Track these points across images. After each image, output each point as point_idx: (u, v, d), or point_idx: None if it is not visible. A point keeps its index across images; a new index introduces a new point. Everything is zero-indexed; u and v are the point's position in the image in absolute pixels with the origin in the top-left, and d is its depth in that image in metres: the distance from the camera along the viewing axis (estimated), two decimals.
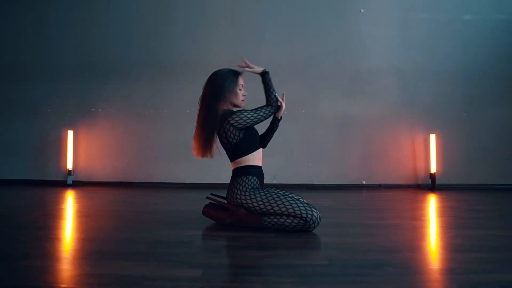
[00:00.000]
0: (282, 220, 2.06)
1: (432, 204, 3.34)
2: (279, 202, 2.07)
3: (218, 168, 4.43)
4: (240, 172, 2.20)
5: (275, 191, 2.14)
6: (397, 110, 4.58)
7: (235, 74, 2.26)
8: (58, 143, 4.55)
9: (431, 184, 4.40)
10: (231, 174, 2.27)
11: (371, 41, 4.63)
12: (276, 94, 2.26)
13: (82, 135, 4.56)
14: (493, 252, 1.69)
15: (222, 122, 2.16)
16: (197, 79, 4.83)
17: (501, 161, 4.53)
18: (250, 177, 2.18)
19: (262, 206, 2.10)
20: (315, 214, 2.04)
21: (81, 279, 1.31)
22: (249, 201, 2.12)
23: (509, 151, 4.54)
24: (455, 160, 4.54)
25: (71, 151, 4.46)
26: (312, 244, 1.83)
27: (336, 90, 4.61)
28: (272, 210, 2.08)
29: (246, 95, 2.31)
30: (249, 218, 2.13)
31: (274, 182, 4.42)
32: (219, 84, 2.20)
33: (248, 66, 2.25)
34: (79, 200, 3.35)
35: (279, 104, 2.27)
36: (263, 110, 2.21)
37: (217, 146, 2.25)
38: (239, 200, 2.15)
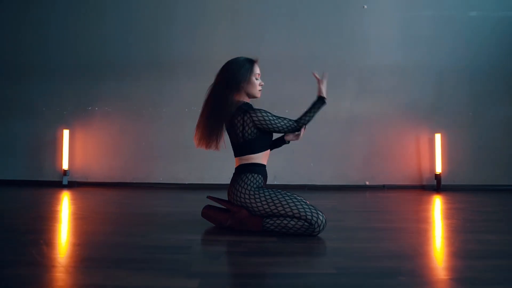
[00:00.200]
0: (285, 221, 1.94)
1: (438, 205, 3.23)
2: (284, 203, 1.96)
3: (218, 168, 4.33)
4: (245, 169, 2.07)
5: (280, 191, 2.02)
6: (401, 109, 4.47)
7: (251, 62, 2.12)
8: (54, 142, 4.44)
9: (436, 185, 4.29)
10: (231, 173, 2.16)
11: (374, 39, 4.52)
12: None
13: (78, 134, 4.46)
14: (511, 259, 1.59)
15: (242, 114, 2.03)
16: (197, 78, 4.76)
17: (508, 161, 4.42)
18: (256, 175, 2.06)
19: (266, 207, 1.97)
20: (320, 217, 1.93)
21: None
22: (253, 201, 1.99)
23: None
24: (460, 160, 4.43)
25: (67, 151, 4.36)
26: (317, 250, 1.73)
27: (338, 89, 4.50)
28: (276, 211, 1.96)
29: (263, 85, 2.16)
30: (251, 221, 2.01)
31: (275, 182, 4.31)
32: (234, 73, 2.07)
33: (320, 81, 2.23)
34: (74, 201, 3.24)
35: (300, 131, 2.20)
36: (288, 123, 2.11)
37: (224, 140, 2.12)
38: (242, 199, 2.02)
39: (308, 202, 2.08)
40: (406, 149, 4.47)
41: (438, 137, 4.36)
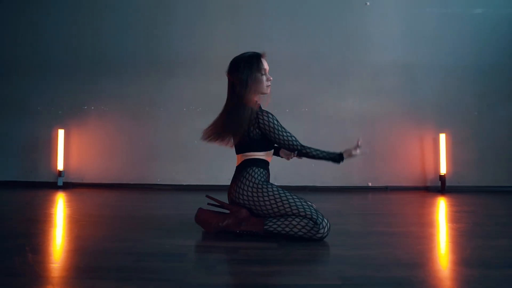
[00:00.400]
0: (288, 221, 1.84)
1: (444, 208, 3.12)
2: (291, 201, 1.88)
3: (217, 168, 4.23)
4: (249, 163, 1.98)
5: (283, 190, 1.94)
6: (404, 108, 4.36)
7: (258, 57, 1.99)
8: (49, 142, 4.33)
9: (441, 186, 4.18)
10: (232, 174, 2.06)
11: (378, 36, 4.42)
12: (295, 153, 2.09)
13: (73, 134, 4.35)
14: None
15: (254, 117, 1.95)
16: (196, 77, 4.66)
17: None
18: (262, 169, 1.99)
19: (273, 203, 1.88)
20: (325, 220, 1.86)
21: None
22: (260, 195, 1.90)
23: None
24: (466, 161, 4.32)
25: (62, 151, 4.25)
26: (321, 257, 1.62)
27: (340, 87, 4.39)
28: (282, 210, 1.87)
29: (272, 80, 2.03)
30: (252, 221, 1.90)
31: (276, 183, 4.19)
32: (242, 72, 1.95)
33: (357, 147, 2.07)
34: (69, 203, 3.14)
35: (293, 156, 2.15)
36: (292, 139, 1.98)
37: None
38: (246, 196, 1.93)
39: (314, 206, 2.01)
40: (410, 150, 4.36)
41: (442, 137, 4.25)
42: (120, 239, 1.91)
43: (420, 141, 4.37)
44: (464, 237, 2.02)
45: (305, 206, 1.87)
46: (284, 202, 1.88)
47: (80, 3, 4.40)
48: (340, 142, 4.42)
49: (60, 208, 2.92)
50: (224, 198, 2.18)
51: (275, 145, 2.05)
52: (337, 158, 2.01)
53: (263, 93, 2.03)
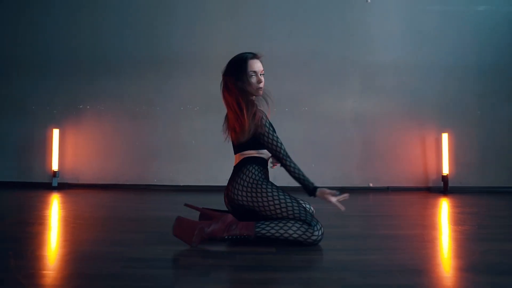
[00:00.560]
0: (284, 222, 1.75)
1: (447, 209, 3.04)
2: (288, 202, 1.81)
3: (216, 169, 4.14)
4: (247, 162, 1.92)
5: (282, 191, 1.88)
6: (406, 107, 4.28)
7: (245, 58, 1.93)
8: (43, 142, 4.24)
9: (443, 187, 4.10)
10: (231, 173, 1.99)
11: (379, 34, 4.33)
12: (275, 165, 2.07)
13: (69, 134, 4.26)
14: None
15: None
16: (194, 76, 4.57)
17: None
18: (260, 167, 1.93)
19: (270, 202, 1.81)
20: (319, 224, 1.79)
21: None
22: (259, 193, 1.83)
23: None
24: (468, 161, 4.24)
25: (57, 151, 4.16)
26: (321, 263, 1.54)
27: (341, 85, 4.31)
28: (279, 209, 1.80)
29: (263, 82, 1.95)
30: (241, 225, 1.76)
31: (276, 184, 4.11)
32: (232, 75, 1.92)
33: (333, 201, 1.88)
34: (63, 205, 3.06)
35: (272, 166, 2.07)
36: (281, 147, 1.89)
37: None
38: (244, 193, 1.85)
39: (312, 208, 2.00)
40: (411, 150, 4.28)
41: (445, 136, 4.17)
42: (111, 243, 1.82)
43: (421, 141, 4.29)
44: (470, 240, 1.94)
45: (301, 209, 1.80)
46: (281, 201, 1.81)
47: (79, 2, 4.31)
48: (340, 142, 4.36)
49: (53, 209, 2.84)
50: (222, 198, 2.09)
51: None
52: (310, 190, 1.84)
53: (253, 95, 1.96)
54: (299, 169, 1.87)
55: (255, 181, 1.87)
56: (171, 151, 4.24)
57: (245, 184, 1.88)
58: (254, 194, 1.85)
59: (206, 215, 1.84)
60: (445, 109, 4.28)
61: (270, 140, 1.88)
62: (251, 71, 1.91)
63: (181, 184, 4.23)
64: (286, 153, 1.89)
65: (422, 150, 4.28)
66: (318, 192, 1.83)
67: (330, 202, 1.82)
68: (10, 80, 4.28)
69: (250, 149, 1.95)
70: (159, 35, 4.30)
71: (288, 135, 4.25)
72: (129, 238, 1.91)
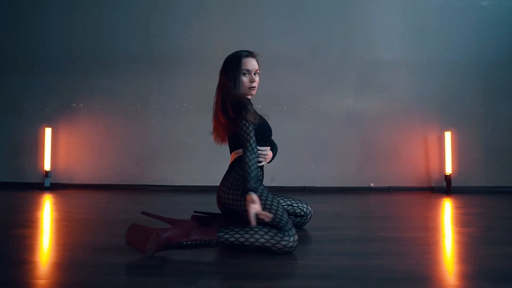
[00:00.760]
0: (254, 230, 1.54)
1: (452, 210, 2.93)
2: (274, 208, 1.63)
3: (213, 169, 3.99)
4: (240, 161, 1.81)
5: (272, 196, 1.71)
6: (408, 105, 4.17)
7: (239, 56, 1.87)
8: (35, 141, 4.13)
9: (446, 187, 3.99)
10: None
11: (379, 31, 4.22)
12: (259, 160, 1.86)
13: (61, 133, 4.15)
14: None
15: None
16: (190, 73, 4.46)
17: None
18: (260, 170, 1.85)
19: (266, 207, 1.64)
20: (293, 231, 1.58)
21: None
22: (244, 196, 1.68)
23: None
24: (472, 160, 4.12)
25: (49, 151, 4.06)
26: (320, 269, 1.42)
27: (341, 83, 4.20)
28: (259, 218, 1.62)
29: (256, 82, 1.88)
30: (202, 230, 1.56)
31: (273, 184, 4.01)
32: (224, 73, 1.88)
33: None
34: (55, 206, 2.96)
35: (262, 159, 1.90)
36: (252, 140, 1.72)
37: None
38: (230, 196, 1.75)
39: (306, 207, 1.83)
40: (414, 148, 4.16)
41: (448, 135, 4.06)
42: (98, 247, 1.71)
43: (424, 140, 4.17)
44: (477, 243, 1.83)
45: (284, 217, 1.61)
46: (267, 207, 1.63)
47: None
48: (340, 141, 4.25)
49: (44, 211, 2.73)
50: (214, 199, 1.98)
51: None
52: (245, 189, 1.62)
53: (245, 95, 1.88)
54: (252, 168, 1.65)
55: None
56: (167, 151, 4.13)
57: (234, 182, 1.77)
58: (240, 197, 1.71)
59: (165, 221, 1.66)
60: (447, 107, 4.17)
61: (243, 127, 1.73)
62: (244, 69, 1.85)
63: (177, 185, 4.12)
64: (252, 147, 1.70)
65: (424, 149, 4.17)
66: (248, 196, 1.58)
67: (249, 210, 1.55)
68: (0, 78, 4.17)
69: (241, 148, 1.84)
70: (155, 32, 4.20)
71: (287, 134, 4.15)
72: (118, 242, 1.80)
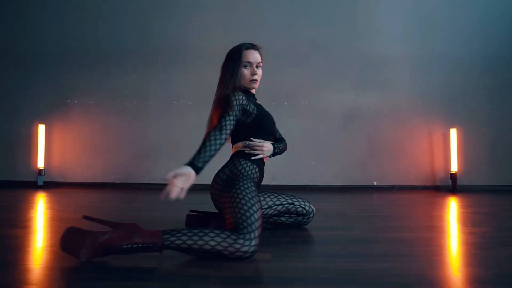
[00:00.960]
0: (204, 232, 1.37)
1: (459, 209, 2.81)
2: (244, 209, 1.47)
3: (211, 167, 3.90)
4: (240, 155, 1.78)
5: (257, 195, 1.58)
6: (412, 102, 4.06)
7: (240, 48, 1.81)
8: (28, 138, 4.03)
9: (452, 185, 3.88)
10: None
11: (382, 24, 4.11)
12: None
13: (55, 129, 4.05)
14: None
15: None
16: (187, 68, 4.34)
17: None
18: (255, 166, 1.75)
19: (231, 200, 1.52)
20: (251, 235, 1.40)
21: None
22: (234, 190, 1.56)
23: None
24: (478, 158, 4.02)
25: (43, 148, 3.95)
26: (324, 273, 1.31)
27: (343, 79, 4.09)
28: (227, 214, 1.50)
29: (259, 75, 1.81)
30: (145, 232, 1.38)
31: (273, 183, 3.90)
32: (224, 65, 1.83)
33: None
34: (49, 204, 2.85)
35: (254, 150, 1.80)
36: (220, 123, 1.61)
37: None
38: (220, 187, 1.67)
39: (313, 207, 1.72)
40: (418, 146, 4.06)
41: (453, 132, 3.95)
42: None
43: (428, 137, 4.06)
44: (492, 244, 1.71)
45: (249, 220, 1.43)
46: (240, 203, 1.48)
47: None
48: (342, 138, 4.14)
49: (36, 210, 2.61)
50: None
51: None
52: (190, 163, 1.50)
53: (246, 88, 1.83)
54: (209, 149, 1.53)
55: (235, 176, 1.67)
56: (164, 148, 4.03)
57: (225, 179, 1.69)
58: (227, 189, 1.61)
59: (106, 225, 1.47)
60: (452, 104, 4.06)
61: (223, 113, 1.65)
62: (245, 61, 1.79)
63: None
64: (220, 128, 1.59)
65: (429, 146, 4.06)
66: (185, 168, 1.45)
67: (174, 180, 1.42)
68: None
69: (244, 140, 1.81)
70: (152, 27, 4.09)
71: (287, 131, 4.02)
72: None
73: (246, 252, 1.37)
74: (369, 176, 4.04)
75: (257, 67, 1.81)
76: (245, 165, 1.73)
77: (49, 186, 3.93)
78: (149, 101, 4.07)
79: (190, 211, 1.92)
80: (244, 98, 1.73)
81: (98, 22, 4.09)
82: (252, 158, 1.76)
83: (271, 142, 1.84)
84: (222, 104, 1.72)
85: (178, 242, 1.36)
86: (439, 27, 4.10)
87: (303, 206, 1.97)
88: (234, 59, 1.80)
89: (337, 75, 4.10)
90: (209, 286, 1.17)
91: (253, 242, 1.38)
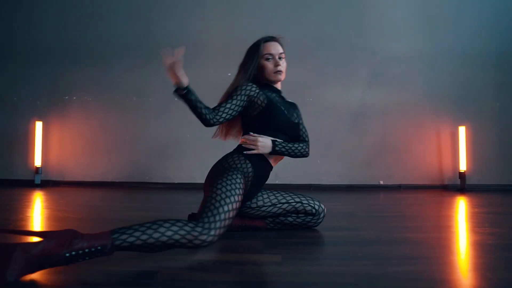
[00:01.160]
0: (158, 223, 1.26)
1: (471, 210, 2.71)
2: (219, 196, 1.42)
3: (211, 166, 3.81)
4: (240, 149, 1.72)
5: (238, 189, 1.50)
6: (419, 98, 3.95)
7: (259, 42, 1.81)
8: (25, 136, 3.93)
9: (460, 185, 3.77)
10: None
11: (389, 19, 4.01)
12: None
13: (53, 127, 3.94)
14: None
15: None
16: (189, 63, 4.21)
17: None
18: (248, 161, 1.66)
19: (211, 190, 1.46)
20: (209, 225, 1.32)
21: None
22: (219, 180, 1.50)
23: None
24: (487, 157, 3.91)
25: (40, 146, 3.84)
26: (342, 277, 1.20)
27: (349, 76, 3.99)
28: (205, 204, 1.41)
29: (283, 66, 1.78)
30: (88, 236, 1.20)
31: (277, 182, 3.79)
32: (244, 60, 1.82)
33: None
34: (46, 204, 2.74)
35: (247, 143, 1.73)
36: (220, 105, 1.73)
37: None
38: (209, 180, 1.59)
39: (323, 207, 1.70)
40: (426, 144, 3.95)
41: (462, 130, 3.84)
42: None
43: (436, 135, 3.96)
44: (509, 246, 1.60)
45: (216, 210, 1.37)
46: (218, 193, 1.43)
47: None
48: (348, 136, 4.03)
49: (33, 210, 2.50)
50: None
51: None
52: (178, 89, 1.67)
53: (270, 80, 1.81)
54: (202, 104, 1.70)
55: (224, 169, 1.61)
56: (164, 146, 3.92)
57: (215, 170, 1.64)
58: (213, 181, 1.53)
59: (36, 236, 1.22)
60: (461, 101, 3.96)
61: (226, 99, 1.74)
62: (266, 53, 1.78)
63: (175, 182, 3.91)
64: (214, 108, 1.72)
65: (437, 145, 3.96)
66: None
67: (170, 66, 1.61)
68: None
69: (247, 134, 1.77)
70: (152, 21, 3.98)
71: None
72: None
73: (204, 240, 1.29)
74: (376, 175, 3.93)
75: (279, 58, 1.78)
76: (236, 159, 1.67)
77: (47, 185, 3.82)
78: (150, 97, 3.97)
79: (191, 214, 1.82)
80: (254, 89, 1.69)
81: (97, 17, 3.99)
82: (245, 152, 1.69)
83: (272, 138, 1.73)
84: (229, 93, 1.71)
85: (131, 239, 1.21)
86: (447, 23, 3.99)
87: (312, 205, 1.85)
88: (252, 53, 1.78)
89: (343, 71, 4.00)
90: None
91: (212, 232, 1.30)
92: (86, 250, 1.16)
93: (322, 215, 1.87)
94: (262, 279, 1.16)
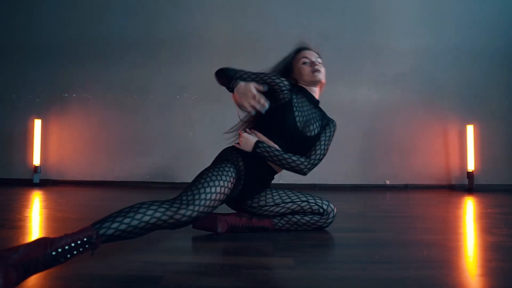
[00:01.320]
0: (144, 207, 1.27)
1: (483, 210, 2.63)
2: (200, 186, 1.41)
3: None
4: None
5: (223, 180, 1.47)
6: (426, 97, 3.88)
7: (293, 51, 1.87)
8: (24, 134, 3.85)
9: (468, 185, 3.69)
10: None
11: (396, 16, 3.93)
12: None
13: (52, 125, 3.87)
14: None
15: None
16: (189, 61, 4.16)
17: None
18: (238, 155, 1.63)
19: (199, 177, 1.47)
20: (187, 208, 1.32)
21: None
22: (206, 169, 1.53)
23: None
24: (496, 156, 3.83)
25: (39, 144, 3.77)
26: (360, 282, 1.12)
27: (354, 73, 3.91)
28: (196, 182, 1.42)
29: (320, 68, 1.77)
30: (68, 234, 1.11)
31: (281, 181, 3.72)
32: (278, 67, 1.86)
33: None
34: (44, 203, 2.67)
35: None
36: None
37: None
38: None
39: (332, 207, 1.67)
40: (433, 143, 3.87)
41: (470, 129, 3.77)
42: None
43: (444, 134, 3.88)
44: None
45: (201, 191, 1.38)
46: (199, 176, 1.46)
47: None
48: (353, 135, 3.95)
49: (31, 210, 2.43)
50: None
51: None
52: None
53: (309, 81, 1.77)
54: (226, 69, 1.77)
55: (217, 160, 1.67)
56: (166, 144, 3.85)
57: (213, 161, 1.70)
58: (206, 168, 1.55)
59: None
60: (469, 99, 3.88)
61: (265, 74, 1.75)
62: (303, 57, 1.79)
63: (177, 181, 3.83)
64: (242, 70, 1.75)
65: (444, 144, 3.88)
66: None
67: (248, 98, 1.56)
68: None
69: (258, 131, 1.74)
70: (154, 18, 3.91)
71: None
72: (106, 247, 1.50)
73: (183, 215, 1.31)
74: (382, 174, 3.86)
75: (316, 61, 1.80)
76: (229, 152, 1.67)
77: (46, 184, 3.75)
78: (150, 95, 3.89)
79: None
80: (284, 84, 1.70)
81: (97, 13, 3.91)
82: (234, 144, 1.71)
83: (259, 141, 1.64)
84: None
85: (114, 225, 1.19)
86: (455, 20, 3.92)
87: (320, 205, 1.77)
88: (289, 56, 1.85)
89: (348, 68, 3.92)
90: None
91: (191, 207, 1.33)
92: (72, 245, 1.09)
93: (331, 215, 1.78)
94: (273, 284, 1.08)
